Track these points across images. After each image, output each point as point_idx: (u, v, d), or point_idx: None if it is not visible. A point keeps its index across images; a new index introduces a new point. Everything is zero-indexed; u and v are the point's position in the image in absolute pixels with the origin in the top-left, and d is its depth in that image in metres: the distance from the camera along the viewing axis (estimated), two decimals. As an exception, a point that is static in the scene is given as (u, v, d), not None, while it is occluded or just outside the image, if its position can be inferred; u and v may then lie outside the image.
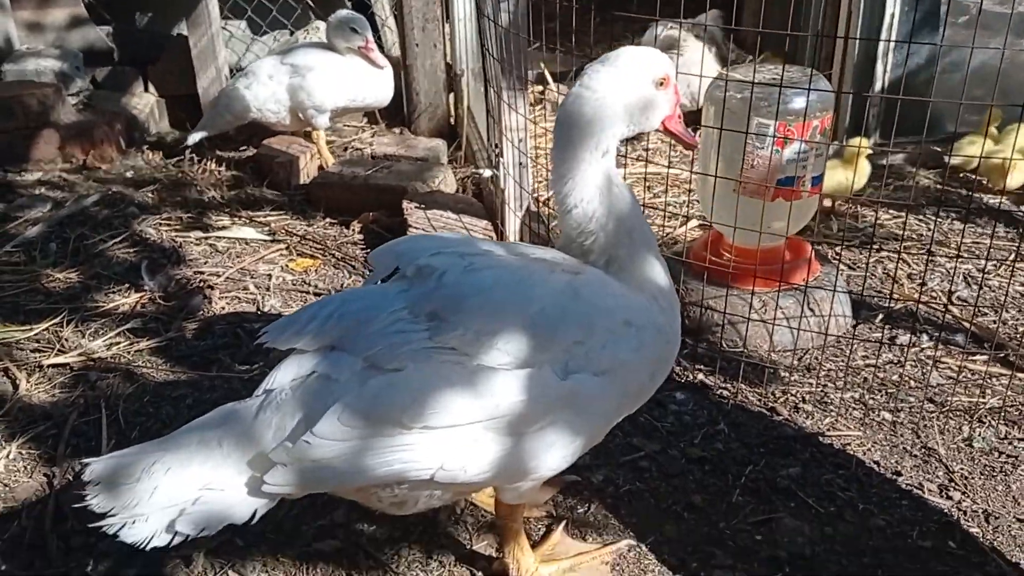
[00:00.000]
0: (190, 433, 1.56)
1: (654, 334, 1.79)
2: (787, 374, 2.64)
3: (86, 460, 1.50)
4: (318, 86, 4.04)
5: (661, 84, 1.79)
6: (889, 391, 2.55)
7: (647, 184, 4.05)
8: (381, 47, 4.98)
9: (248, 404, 1.58)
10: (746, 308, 2.76)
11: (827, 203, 3.68)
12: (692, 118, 3.63)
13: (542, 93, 5.07)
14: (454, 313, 1.62)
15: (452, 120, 4.67)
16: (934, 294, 3.06)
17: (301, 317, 1.67)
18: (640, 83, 1.75)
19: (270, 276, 3.26)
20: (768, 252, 2.87)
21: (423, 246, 1.81)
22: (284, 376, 1.60)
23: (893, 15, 4.02)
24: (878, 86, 4.15)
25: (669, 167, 4.12)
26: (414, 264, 1.74)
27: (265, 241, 3.54)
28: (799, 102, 2.65)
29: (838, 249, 3.37)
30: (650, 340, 1.78)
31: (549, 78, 5.05)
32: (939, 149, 4.10)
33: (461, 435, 1.54)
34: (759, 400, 2.53)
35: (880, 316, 2.91)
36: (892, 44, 4.09)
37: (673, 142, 2.44)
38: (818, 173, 2.78)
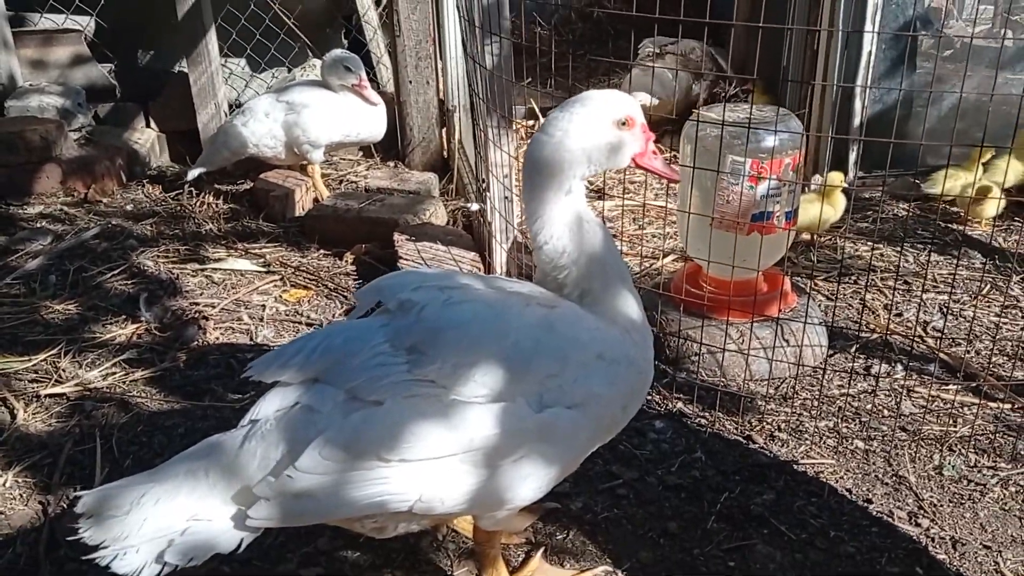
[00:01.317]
0: (178, 464, 1.63)
1: (627, 367, 1.87)
2: (763, 403, 2.71)
3: (79, 492, 1.57)
4: (313, 122, 4.15)
5: (624, 124, 1.87)
6: (862, 420, 2.62)
7: (633, 216, 4.15)
8: (377, 84, 5.11)
9: (234, 435, 1.66)
10: (724, 338, 2.85)
11: (806, 235, 3.78)
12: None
13: (532, 128, 5.19)
14: (432, 346, 1.70)
15: (445, 154, 4.79)
16: (908, 324, 3.14)
17: (287, 351, 1.75)
18: (598, 126, 1.84)
19: (264, 307, 3.34)
20: (745, 284, 2.95)
21: (405, 281, 1.89)
22: (269, 407, 1.68)
23: (870, 53, 4.15)
24: (856, 121, 4.27)
25: (644, 203, 4.22)
26: (396, 298, 1.82)
27: (260, 272, 3.62)
28: (771, 140, 2.75)
29: (817, 280, 3.46)
30: (623, 373, 1.86)
31: (539, 113, 5.18)
32: (917, 181, 4.21)
33: (438, 468, 1.61)
34: (736, 428, 2.60)
35: (855, 346, 2.99)
36: (869, 80, 4.22)
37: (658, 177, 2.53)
38: (791, 208, 2.88)
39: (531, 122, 5.22)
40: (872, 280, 3.46)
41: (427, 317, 1.75)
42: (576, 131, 1.83)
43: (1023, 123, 4.09)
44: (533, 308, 1.81)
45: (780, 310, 2.95)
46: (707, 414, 2.67)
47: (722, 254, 2.75)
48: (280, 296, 3.44)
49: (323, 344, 1.74)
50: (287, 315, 3.30)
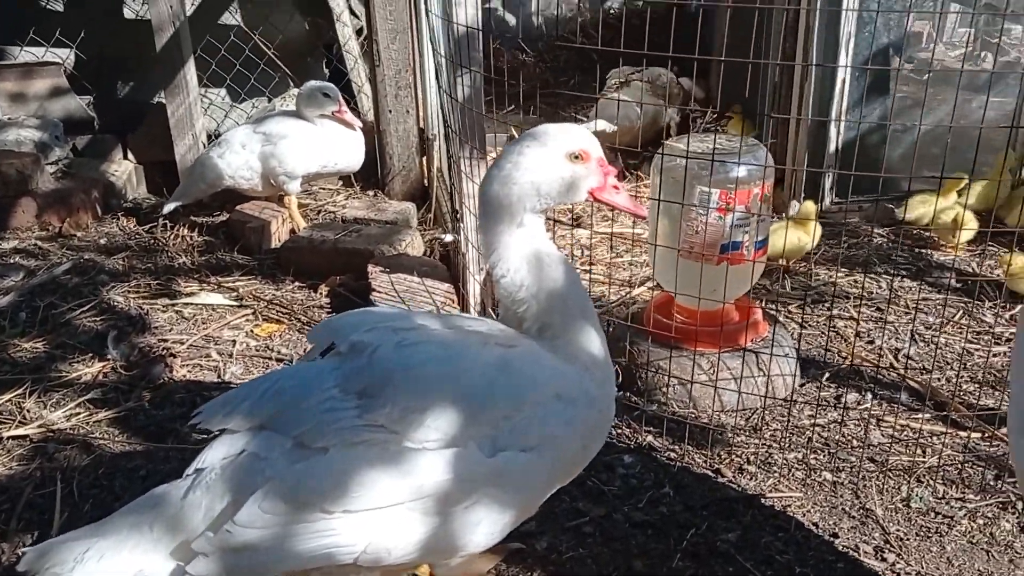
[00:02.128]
0: (124, 517, 1.61)
1: (586, 405, 1.86)
2: (733, 435, 2.70)
3: (24, 549, 1.55)
4: (290, 153, 4.15)
5: (578, 158, 1.87)
6: (831, 451, 2.61)
7: (610, 243, 4.15)
8: (358, 113, 5.12)
9: (179, 485, 1.64)
10: (695, 369, 2.83)
11: (782, 262, 3.78)
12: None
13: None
14: (383, 390, 1.68)
15: (425, 182, 4.79)
16: (879, 352, 3.13)
17: (235, 396, 1.73)
18: (549, 160, 1.83)
19: (234, 343, 3.32)
20: (715, 314, 2.94)
21: (359, 321, 1.88)
22: (215, 455, 1.66)
23: (844, 80, 4.17)
24: (832, 148, 4.29)
25: (612, 233, 4.23)
26: (348, 340, 1.80)
27: (232, 306, 3.61)
28: (739, 170, 2.75)
29: (790, 308, 3.45)
30: (582, 412, 1.84)
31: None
32: (891, 206, 4.21)
33: (384, 517, 1.58)
34: (705, 461, 2.58)
35: (826, 375, 2.98)
36: (844, 107, 4.24)
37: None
38: (761, 238, 2.87)
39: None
40: (844, 307, 3.46)
41: (379, 359, 1.74)
42: (526, 165, 1.83)
43: (999, 148, 4.12)
44: (490, 348, 1.80)
45: (751, 340, 2.94)
46: (677, 447, 2.65)
47: (692, 284, 2.74)
48: (252, 331, 3.42)
49: (272, 389, 1.72)
50: (257, 351, 3.28)
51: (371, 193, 4.80)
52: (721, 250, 2.81)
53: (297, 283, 3.80)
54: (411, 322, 1.86)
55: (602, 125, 4.98)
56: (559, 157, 1.86)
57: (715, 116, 5.32)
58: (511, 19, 7.94)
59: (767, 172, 2.82)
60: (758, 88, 4.56)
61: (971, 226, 3.75)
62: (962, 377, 2.97)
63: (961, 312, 3.38)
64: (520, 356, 1.81)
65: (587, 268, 3.88)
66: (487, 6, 7.88)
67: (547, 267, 1.88)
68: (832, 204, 4.41)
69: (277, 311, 3.57)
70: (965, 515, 2.34)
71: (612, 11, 7.91)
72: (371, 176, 4.82)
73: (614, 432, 2.70)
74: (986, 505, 2.36)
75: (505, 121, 5.00)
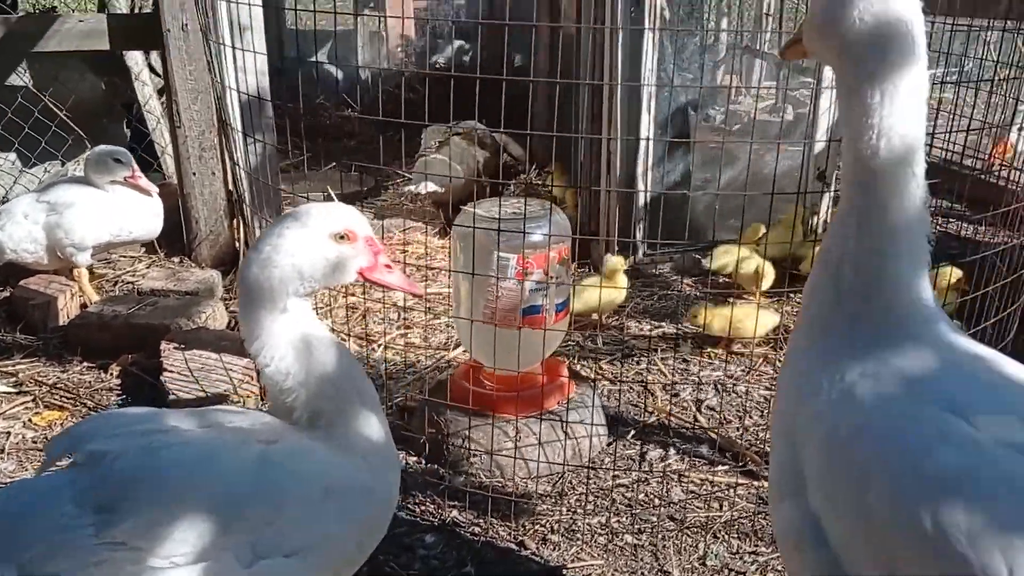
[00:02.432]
0: None
1: (362, 498, 1.77)
2: (539, 503, 2.66)
3: None
4: (77, 223, 3.85)
5: (343, 238, 1.79)
6: (634, 512, 2.62)
7: (427, 305, 4.08)
8: (162, 174, 4.86)
9: None
10: (502, 437, 2.79)
11: (594, 316, 3.83)
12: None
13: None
14: (125, 502, 1.53)
15: (237, 246, 4.58)
16: (684, 405, 3.21)
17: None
18: (311, 242, 1.75)
19: (8, 434, 3.00)
20: (523, 378, 2.92)
21: (103, 426, 1.72)
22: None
23: (648, 139, 4.33)
24: (641, 202, 4.43)
25: (426, 295, 4.19)
26: (86, 450, 1.63)
27: (9, 394, 3.27)
28: (537, 235, 2.77)
29: (602, 364, 3.49)
30: (357, 507, 1.75)
31: (335, 200, 5.07)
32: (698, 257, 4.39)
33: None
34: (509, 534, 2.53)
35: (631, 433, 3.01)
36: (651, 163, 4.40)
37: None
38: (561, 300, 2.89)
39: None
40: (653, 360, 3.53)
41: (121, 468, 1.58)
42: (286, 247, 1.74)
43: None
44: (249, 446, 1.68)
45: (557, 402, 2.94)
46: (481, 521, 2.58)
47: (497, 349, 2.72)
48: (30, 420, 3.11)
49: (-7, 511, 1.53)
50: (34, 442, 2.98)
51: (176, 260, 4.53)
52: (523, 314, 2.81)
53: (86, 363, 3.50)
54: (160, 423, 1.71)
55: (431, 187, 4.96)
56: (322, 238, 1.78)
57: (535, 169, 5.42)
58: (337, 73, 7.86)
59: (566, 235, 2.85)
60: (569, 147, 4.67)
61: (769, 275, 3.95)
62: (760, 426, 3.08)
63: (762, 360, 3.54)
64: (283, 451, 1.70)
65: (404, 331, 3.80)
66: (311, 59, 7.77)
67: (316, 352, 1.79)
68: (644, 256, 4.55)
69: (61, 396, 3.26)
70: (757, 569, 2.39)
71: (438, 65, 7.99)
72: (176, 242, 4.55)
73: (417, 510, 2.60)
74: (775, 557, 2.43)
75: (340, 173, 4.87)
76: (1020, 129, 4.87)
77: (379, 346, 3.62)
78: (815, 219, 4.56)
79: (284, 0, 6.67)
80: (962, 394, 1.47)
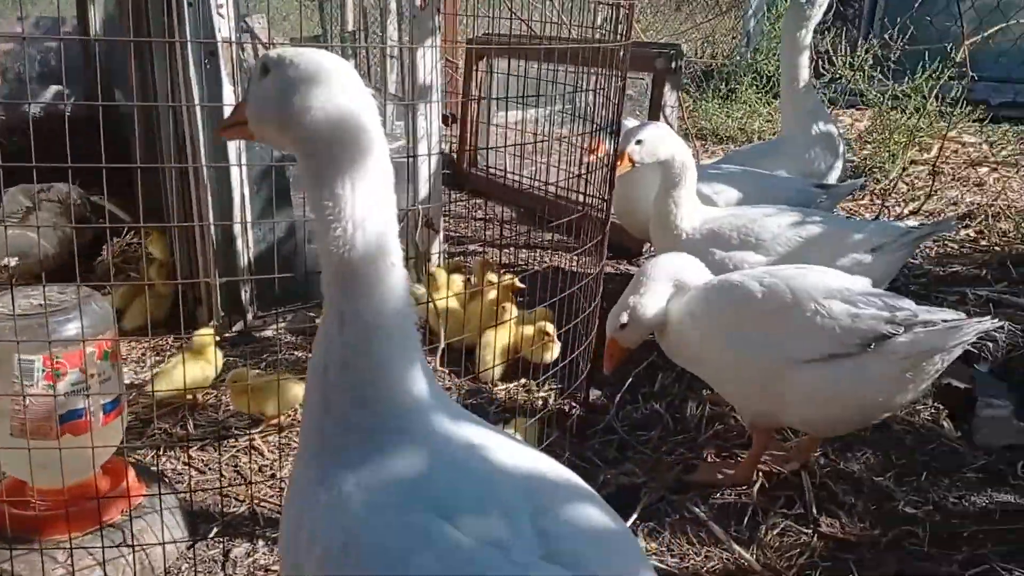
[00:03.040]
0: None
1: None
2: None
3: None
4: None
5: None
6: (206, 628, 2.37)
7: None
8: None
9: None
10: (51, 564, 2.40)
11: (189, 397, 3.51)
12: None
13: None
14: None
15: None
16: (283, 487, 3.01)
17: None
18: None
19: None
20: (80, 488, 2.56)
21: None
22: None
23: (244, 196, 4.09)
24: (243, 262, 4.18)
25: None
26: None
27: None
28: (70, 328, 2.42)
29: (191, 450, 3.19)
30: None
31: None
32: (313, 315, 4.25)
33: None
34: None
35: (215, 529, 2.75)
36: (250, 223, 4.17)
37: None
38: (112, 399, 2.56)
39: None
40: (254, 439, 3.30)
41: None
42: None
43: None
44: None
45: (122, 511, 2.60)
46: None
47: (39, 462, 2.35)
48: None
49: None
50: None
51: None
52: (62, 421, 2.44)
53: None
54: None
55: (14, 262, 4.30)
56: None
57: (133, 235, 4.94)
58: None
59: (106, 324, 2.53)
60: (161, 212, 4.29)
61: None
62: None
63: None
64: None
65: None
66: None
67: None
68: (255, 319, 4.30)
69: None
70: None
71: (37, 115, 7.07)
72: None
73: None
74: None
75: None
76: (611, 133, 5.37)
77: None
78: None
79: None
80: (450, 495, 1.49)
